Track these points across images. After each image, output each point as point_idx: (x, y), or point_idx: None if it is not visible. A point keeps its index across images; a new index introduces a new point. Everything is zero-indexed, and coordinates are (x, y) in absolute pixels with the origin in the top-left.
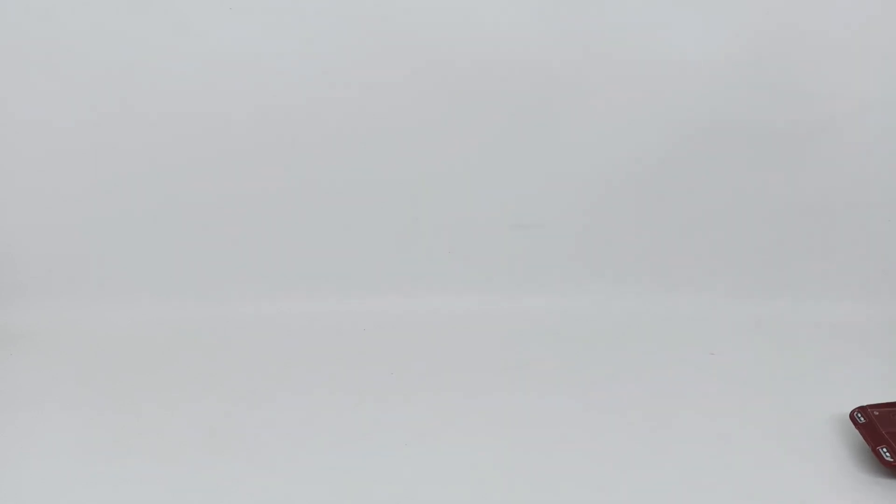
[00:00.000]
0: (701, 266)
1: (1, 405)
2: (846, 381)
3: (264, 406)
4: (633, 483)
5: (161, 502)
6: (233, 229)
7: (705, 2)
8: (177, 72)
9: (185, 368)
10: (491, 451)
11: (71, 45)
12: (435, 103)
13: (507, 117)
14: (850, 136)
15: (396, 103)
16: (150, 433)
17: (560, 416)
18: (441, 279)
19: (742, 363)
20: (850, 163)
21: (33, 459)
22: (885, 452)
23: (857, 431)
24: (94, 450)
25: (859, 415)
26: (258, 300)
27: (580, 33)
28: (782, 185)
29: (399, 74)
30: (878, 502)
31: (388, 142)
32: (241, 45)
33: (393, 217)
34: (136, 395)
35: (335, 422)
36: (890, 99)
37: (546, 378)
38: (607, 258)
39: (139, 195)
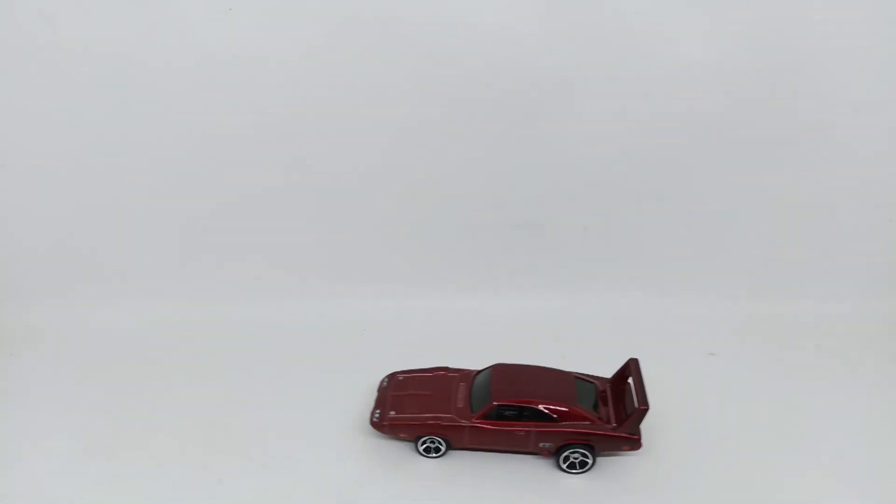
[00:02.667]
0: (701, 266)
1: (1, 405)
2: (844, 380)
3: (264, 405)
4: (633, 481)
5: (160, 501)
6: (233, 230)
7: (706, 4)
8: (177, 72)
9: (184, 368)
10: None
11: (71, 45)
12: (435, 104)
13: (508, 118)
14: (850, 136)
15: (397, 104)
16: (149, 432)
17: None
18: (441, 279)
19: (742, 363)
20: (850, 163)
21: (33, 459)
22: (376, 415)
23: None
24: (94, 449)
25: (385, 379)
26: (258, 300)
27: (580, 35)
28: (782, 185)
29: (400, 76)
30: None
31: (388, 142)
32: (241, 46)
33: (393, 217)
34: (136, 394)
35: (335, 421)
36: (890, 99)
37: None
38: (607, 258)
39: (139, 196)
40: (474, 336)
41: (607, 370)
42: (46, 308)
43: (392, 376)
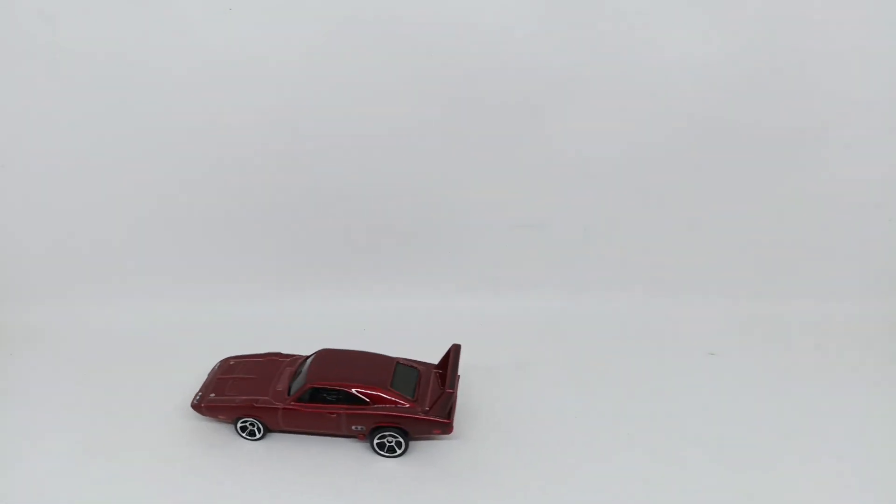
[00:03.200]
0: (701, 266)
1: (1, 405)
2: (844, 380)
3: None
4: (631, 480)
5: (160, 501)
6: (233, 230)
7: (706, 4)
8: (177, 72)
9: (184, 368)
10: (493, 448)
11: (71, 45)
12: (435, 104)
13: (508, 118)
14: (850, 136)
15: (397, 104)
16: (149, 432)
17: (560, 415)
18: (441, 279)
19: (742, 363)
20: (850, 163)
21: (33, 459)
22: (197, 397)
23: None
24: (94, 449)
25: (217, 364)
26: (257, 300)
27: (580, 35)
28: (782, 185)
29: (400, 76)
30: None
31: (388, 142)
32: (241, 45)
33: (393, 217)
34: (136, 394)
35: None
36: (890, 99)
37: (546, 377)
38: (607, 258)
39: (139, 196)
40: (474, 336)
41: (607, 369)
42: (46, 308)
43: (224, 361)
